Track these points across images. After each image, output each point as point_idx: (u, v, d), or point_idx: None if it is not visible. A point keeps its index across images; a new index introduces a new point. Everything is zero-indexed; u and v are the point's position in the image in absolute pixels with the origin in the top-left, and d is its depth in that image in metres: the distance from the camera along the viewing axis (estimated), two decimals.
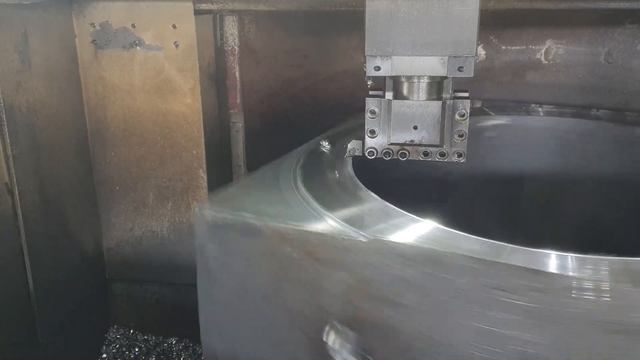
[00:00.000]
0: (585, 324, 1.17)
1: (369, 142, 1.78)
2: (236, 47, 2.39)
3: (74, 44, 2.22)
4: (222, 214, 1.55)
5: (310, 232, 1.42)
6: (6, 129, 1.89)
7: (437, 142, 1.76)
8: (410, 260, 1.31)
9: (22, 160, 1.95)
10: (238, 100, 2.45)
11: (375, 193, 1.65)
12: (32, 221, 2.02)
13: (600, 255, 1.28)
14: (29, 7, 1.94)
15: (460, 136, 1.74)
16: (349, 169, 1.79)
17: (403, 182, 2.25)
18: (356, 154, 1.87)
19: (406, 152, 1.78)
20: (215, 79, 2.37)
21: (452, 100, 1.73)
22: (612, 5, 2.13)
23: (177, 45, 2.18)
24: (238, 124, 2.47)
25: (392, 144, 1.78)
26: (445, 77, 1.70)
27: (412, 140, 1.77)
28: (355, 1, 2.02)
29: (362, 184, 1.70)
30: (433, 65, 1.62)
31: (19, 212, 1.97)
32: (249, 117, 2.50)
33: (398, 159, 1.78)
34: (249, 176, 1.87)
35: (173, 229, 2.42)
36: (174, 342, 2.55)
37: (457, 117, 1.72)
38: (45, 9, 2.05)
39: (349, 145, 1.85)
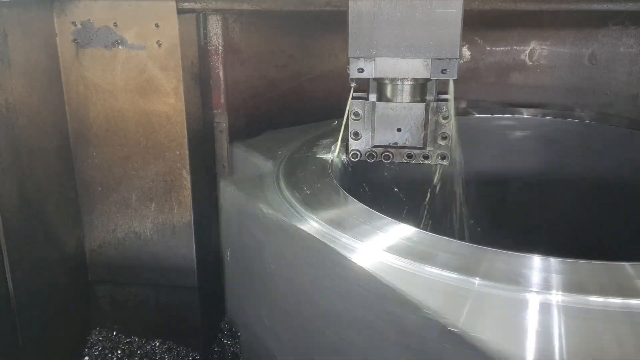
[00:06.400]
0: None
1: (353, 144, 1.78)
2: (220, 47, 2.37)
3: (54, 42, 2.18)
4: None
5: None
6: None
7: (421, 144, 1.76)
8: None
9: (1, 161, 1.92)
10: (222, 100, 2.43)
11: (362, 195, 1.66)
12: (11, 223, 1.98)
13: (581, 259, 1.30)
14: (7, 5, 1.91)
15: (444, 138, 1.74)
16: (329, 172, 1.79)
17: (386, 184, 2.25)
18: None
19: (390, 155, 1.78)
20: (199, 79, 2.35)
21: (435, 103, 1.73)
22: (596, 6, 2.14)
23: (160, 45, 2.16)
24: (222, 124, 2.46)
25: (375, 146, 1.78)
26: (429, 79, 1.69)
27: (395, 143, 1.76)
28: (339, 1, 2.01)
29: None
30: (416, 67, 1.62)
31: None
32: (233, 117, 2.48)
33: (382, 161, 1.78)
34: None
35: (156, 230, 2.39)
36: (157, 345, 2.53)
37: (440, 119, 1.73)
38: (25, 7, 2.01)
39: (333, 148, 1.85)
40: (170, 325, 2.53)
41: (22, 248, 2.05)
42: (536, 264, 1.28)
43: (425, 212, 2.00)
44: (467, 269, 1.26)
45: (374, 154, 1.78)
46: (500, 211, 2.70)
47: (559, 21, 2.75)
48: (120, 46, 2.17)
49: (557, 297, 1.19)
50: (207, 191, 2.47)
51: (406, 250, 1.35)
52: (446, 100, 1.73)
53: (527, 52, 2.82)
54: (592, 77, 2.80)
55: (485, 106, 2.74)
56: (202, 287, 2.47)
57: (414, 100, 1.73)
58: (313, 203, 1.59)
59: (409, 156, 1.77)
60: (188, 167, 2.29)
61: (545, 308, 1.17)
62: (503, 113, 2.63)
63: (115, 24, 2.15)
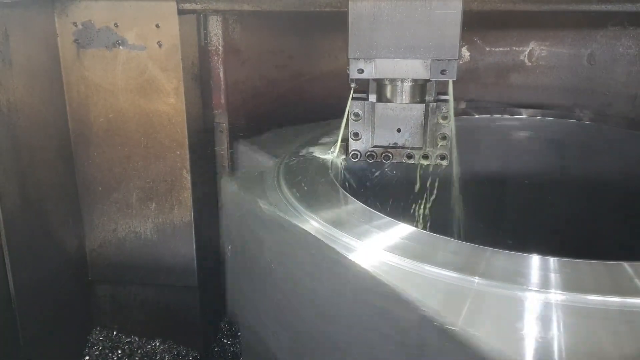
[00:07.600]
0: None
1: (353, 144, 1.79)
2: (220, 47, 2.38)
3: (56, 43, 2.19)
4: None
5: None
6: None
7: (420, 144, 1.77)
8: None
9: (2, 161, 1.93)
10: (222, 101, 2.44)
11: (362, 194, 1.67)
12: (12, 222, 1.99)
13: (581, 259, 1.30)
14: (9, 6, 1.92)
15: (443, 138, 1.75)
16: (329, 172, 1.80)
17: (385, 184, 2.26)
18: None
19: (390, 155, 1.78)
20: (199, 79, 2.36)
21: (435, 103, 1.73)
22: (595, 7, 2.15)
23: (160, 45, 2.16)
24: (222, 124, 2.46)
25: (375, 146, 1.79)
26: (429, 80, 1.70)
27: (395, 143, 1.77)
28: (339, 2, 2.02)
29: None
30: (416, 68, 1.63)
31: None
32: (234, 117, 2.49)
33: (382, 161, 1.79)
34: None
35: (157, 230, 2.40)
36: (157, 344, 2.54)
37: (440, 119, 1.73)
38: (26, 7, 2.02)
39: (332, 148, 1.86)
40: (170, 325, 2.53)
41: (23, 248, 2.06)
42: (535, 264, 1.29)
43: (425, 212, 2.01)
44: (466, 268, 1.27)
45: (374, 154, 1.79)
46: (500, 211, 2.70)
47: (558, 22, 2.76)
48: (121, 46, 2.18)
49: (556, 296, 1.19)
50: (207, 191, 2.48)
51: (405, 250, 1.35)
52: (445, 100, 1.74)
53: (527, 52, 2.82)
54: (591, 77, 2.80)
55: (484, 106, 2.75)
56: (202, 287, 2.48)
57: (413, 100, 1.74)
58: (313, 202, 1.60)
59: (409, 156, 1.78)
60: (188, 167, 2.30)
61: (544, 307, 1.18)
62: (502, 113, 2.64)
63: (116, 25, 2.16)
